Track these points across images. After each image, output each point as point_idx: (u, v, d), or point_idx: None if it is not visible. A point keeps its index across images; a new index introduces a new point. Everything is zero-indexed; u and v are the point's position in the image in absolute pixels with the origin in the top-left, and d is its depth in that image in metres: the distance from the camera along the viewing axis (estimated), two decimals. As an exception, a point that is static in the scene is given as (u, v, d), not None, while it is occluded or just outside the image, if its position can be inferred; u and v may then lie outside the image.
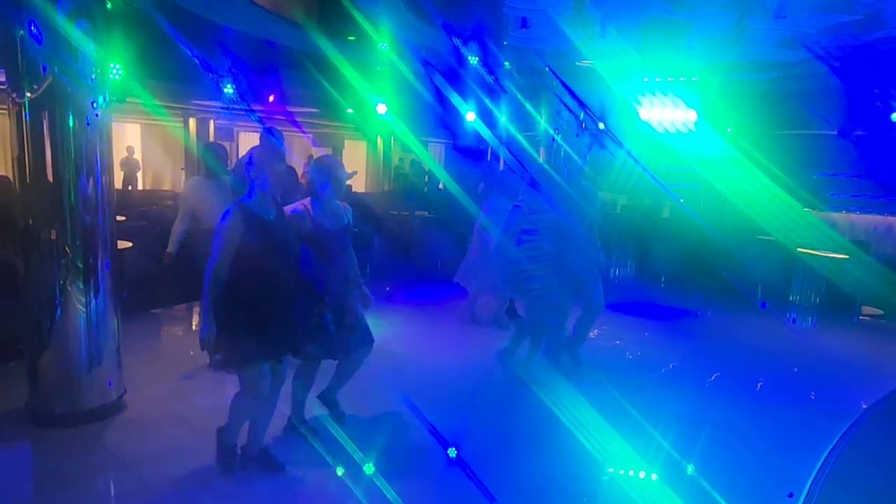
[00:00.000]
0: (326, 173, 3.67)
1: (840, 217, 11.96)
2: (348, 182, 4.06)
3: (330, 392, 4.16)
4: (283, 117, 11.60)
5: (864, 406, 5.12)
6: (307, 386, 4.02)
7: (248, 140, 18.30)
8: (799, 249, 8.81)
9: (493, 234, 6.41)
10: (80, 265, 3.99)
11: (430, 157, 18.68)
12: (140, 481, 3.48)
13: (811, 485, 3.78)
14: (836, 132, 10.40)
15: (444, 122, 10.92)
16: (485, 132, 10.70)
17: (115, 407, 4.23)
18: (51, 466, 3.64)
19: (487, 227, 6.43)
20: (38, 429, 3.98)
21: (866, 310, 8.31)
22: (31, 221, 3.93)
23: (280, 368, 3.47)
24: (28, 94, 3.76)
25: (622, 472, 3.92)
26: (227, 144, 16.76)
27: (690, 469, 3.94)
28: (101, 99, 3.98)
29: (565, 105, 10.11)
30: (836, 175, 12.25)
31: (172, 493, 3.38)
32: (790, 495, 3.63)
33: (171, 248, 4.93)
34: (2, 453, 3.70)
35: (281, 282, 3.32)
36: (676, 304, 8.45)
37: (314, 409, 4.17)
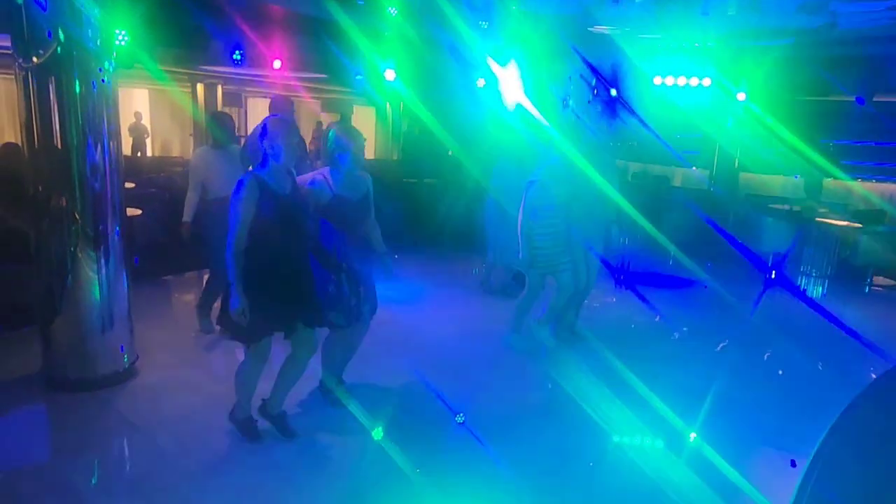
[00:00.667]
0: (345, 143, 3.61)
1: (855, 185, 11.79)
2: None
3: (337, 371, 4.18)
4: (290, 83, 11.47)
5: (874, 376, 5.11)
6: (337, 353, 4.02)
7: (256, 105, 18.17)
8: (811, 218, 8.72)
9: (502, 202, 6.36)
10: (91, 232, 4.01)
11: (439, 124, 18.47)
12: (153, 447, 3.55)
13: (816, 454, 3.80)
14: (853, 98, 10.17)
15: (452, 87, 10.76)
16: (496, 99, 10.53)
17: (128, 373, 4.30)
18: (65, 431, 3.71)
19: (496, 195, 6.37)
20: (53, 394, 4.06)
21: (878, 280, 8.24)
22: (40, 188, 3.95)
23: (312, 336, 3.49)
24: (34, 59, 3.73)
25: (627, 439, 3.96)
26: (235, 110, 16.69)
27: (694, 437, 3.98)
28: (107, 64, 3.95)
29: (577, 71, 9.93)
30: (852, 142, 12.03)
31: (185, 458, 3.44)
32: (793, 464, 3.66)
33: (186, 217, 4.90)
34: (17, 417, 3.78)
35: (292, 257, 3.30)
36: (685, 273, 8.41)
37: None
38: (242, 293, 3.12)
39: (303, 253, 3.41)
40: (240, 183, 3.12)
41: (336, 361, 4.06)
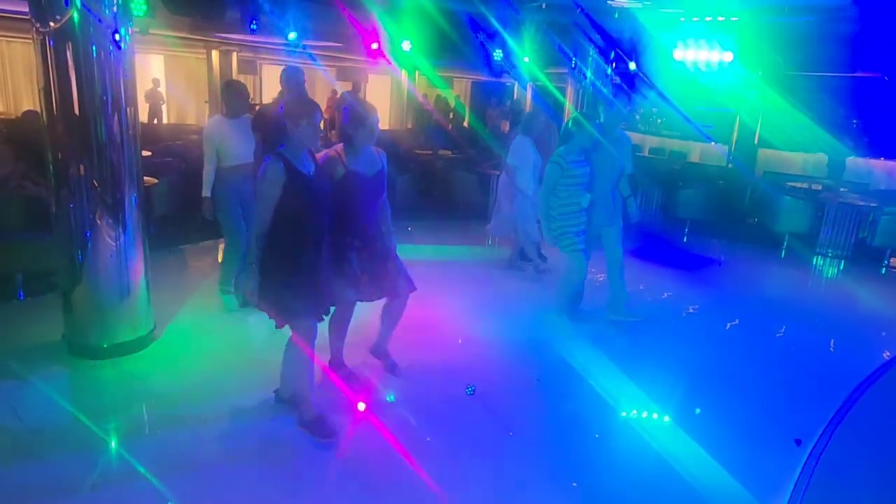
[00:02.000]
0: (359, 119, 3.56)
1: (878, 164, 11.58)
2: None
3: (381, 344, 4.25)
4: (305, 51, 11.39)
5: (886, 357, 5.09)
6: (344, 331, 4.06)
7: (271, 73, 18.08)
8: (831, 197, 8.59)
9: (519, 179, 6.31)
10: (109, 200, 4.05)
11: (452, 94, 18.32)
12: (171, 413, 3.63)
13: (822, 433, 3.82)
14: (880, 75, 9.92)
15: (471, 58, 10.63)
16: (513, 70, 10.41)
17: (146, 340, 4.38)
18: (86, 396, 3.82)
19: (517, 170, 6.29)
20: (74, 360, 4.15)
21: (895, 261, 8.15)
22: (59, 155, 3.97)
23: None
24: (51, 24, 3.73)
25: (634, 413, 4.00)
26: (250, 77, 16.62)
27: (700, 413, 4.01)
28: (123, 30, 3.94)
29: (595, 44, 9.76)
30: (877, 119, 11.76)
31: (201, 425, 3.53)
32: (798, 442, 3.68)
33: (206, 192, 4.86)
34: (40, 383, 3.86)
35: (323, 236, 3.31)
36: (700, 251, 8.36)
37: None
38: (257, 274, 3.12)
39: (330, 234, 3.41)
40: (264, 163, 3.09)
41: (342, 342, 4.10)
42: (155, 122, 15.73)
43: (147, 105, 15.89)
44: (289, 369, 3.53)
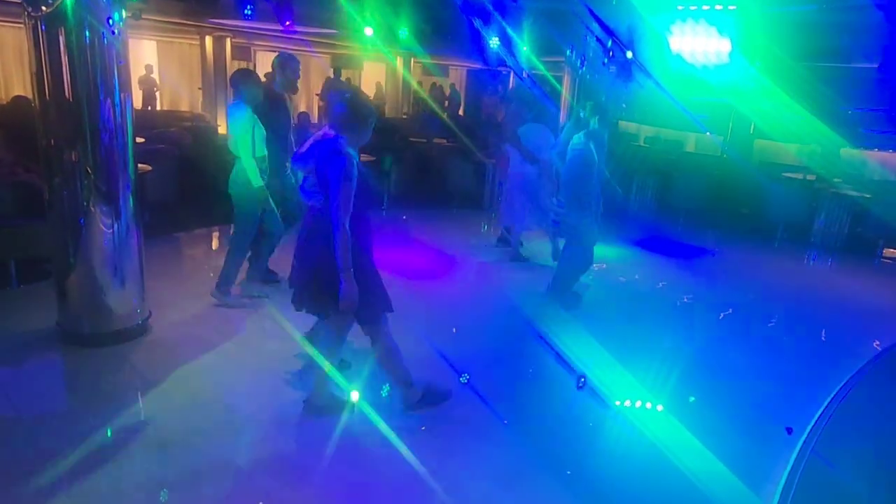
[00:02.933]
0: (369, 115, 3.54)
1: (872, 155, 11.59)
2: None
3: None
4: (300, 38, 11.29)
5: (877, 347, 5.13)
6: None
7: (265, 59, 17.94)
8: (822, 187, 8.62)
9: (538, 162, 6.28)
10: (103, 187, 4.02)
11: (448, 82, 18.20)
12: (166, 401, 3.63)
13: (815, 423, 3.85)
14: (875, 66, 9.92)
15: (467, 46, 10.58)
16: (509, 59, 10.37)
17: (141, 328, 4.36)
18: (81, 384, 3.80)
19: (530, 158, 6.25)
20: (68, 347, 4.13)
21: (888, 252, 8.19)
22: (52, 141, 3.94)
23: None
24: (43, 8, 3.68)
25: (628, 403, 4.02)
26: (244, 64, 16.47)
27: (693, 401, 4.03)
28: (116, 15, 3.89)
29: (593, 32, 9.72)
30: (871, 110, 11.77)
31: (197, 413, 3.52)
32: (789, 431, 3.71)
33: (257, 181, 4.69)
34: (34, 370, 3.85)
35: (374, 229, 3.33)
36: (695, 241, 8.39)
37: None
38: (354, 279, 3.07)
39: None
40: (342, 162, 3.03)
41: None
42: (149, 108, 15.58)
43: (141, 91, 15.73)
44: (388, 368, 3.56)
